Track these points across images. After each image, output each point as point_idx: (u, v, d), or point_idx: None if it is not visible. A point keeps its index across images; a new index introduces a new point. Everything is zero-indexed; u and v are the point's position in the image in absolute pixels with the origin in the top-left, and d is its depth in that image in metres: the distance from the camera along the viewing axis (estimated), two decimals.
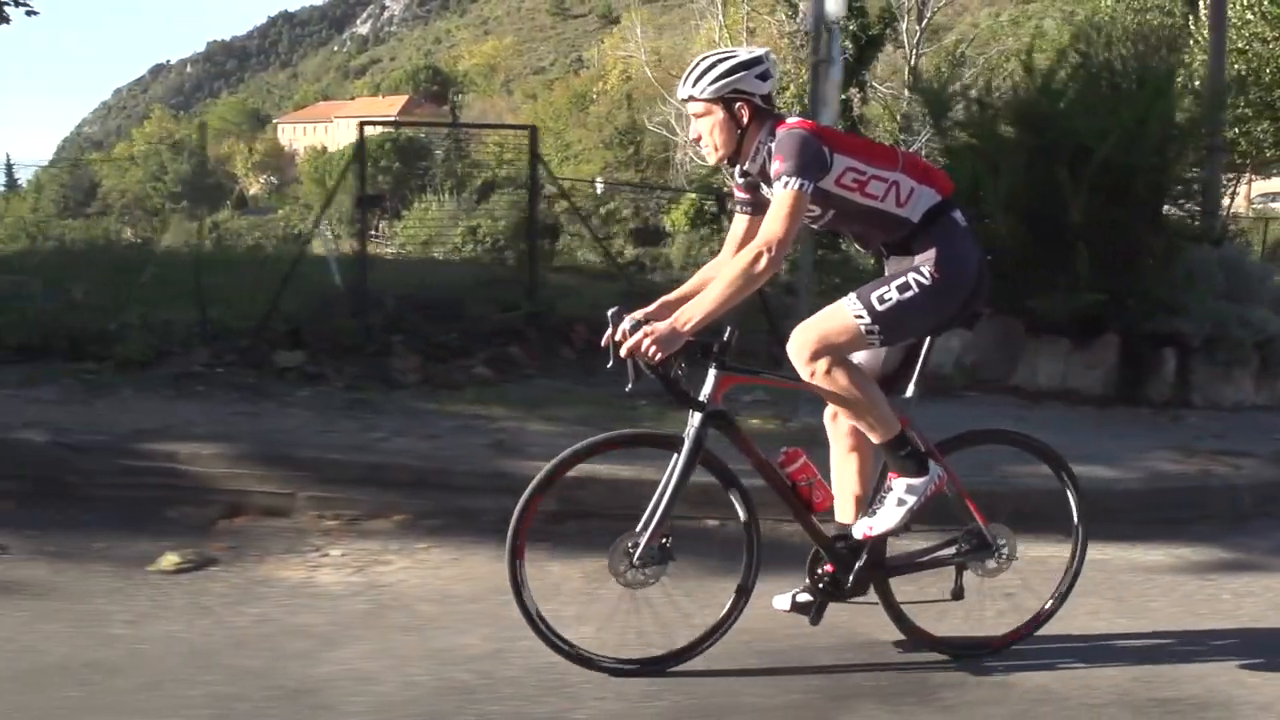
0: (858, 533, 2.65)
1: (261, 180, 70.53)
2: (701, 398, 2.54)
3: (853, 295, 2.57)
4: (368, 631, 2.75)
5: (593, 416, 4.30)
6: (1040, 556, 3.20)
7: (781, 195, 2.43)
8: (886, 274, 2.63)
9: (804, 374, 2.53)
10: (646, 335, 2.39)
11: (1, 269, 6.31)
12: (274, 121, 79.26)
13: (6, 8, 9.53)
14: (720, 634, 2.63)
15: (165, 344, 4.83)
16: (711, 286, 2.45)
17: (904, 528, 2.63)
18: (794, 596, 2.75)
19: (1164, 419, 5.62)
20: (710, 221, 18.88)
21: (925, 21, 14.50)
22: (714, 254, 3.01)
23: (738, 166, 2.63)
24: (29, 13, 9.78)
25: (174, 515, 3.56)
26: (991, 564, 2.80)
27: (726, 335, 2.53)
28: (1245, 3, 14.59)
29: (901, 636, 2.79)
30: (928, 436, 2.73)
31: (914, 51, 14.50)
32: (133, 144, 68.71)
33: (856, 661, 2.73)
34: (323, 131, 76.11)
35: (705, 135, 2.58)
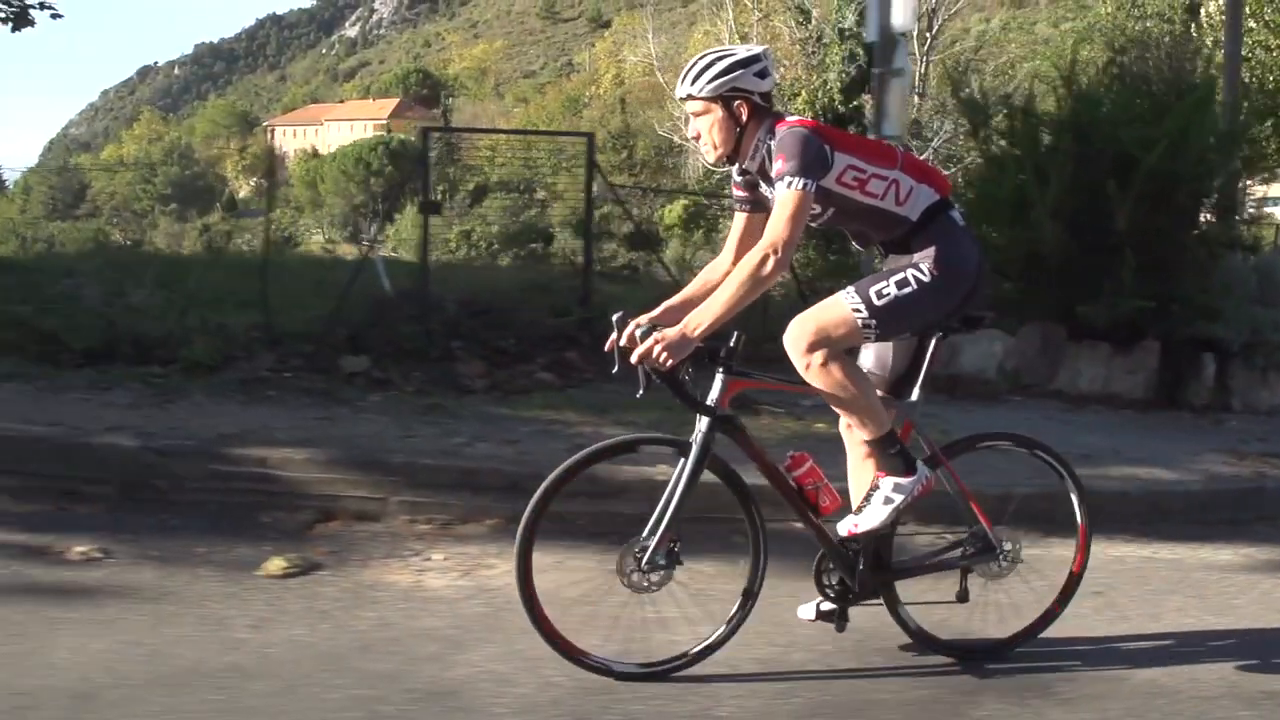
0: (842, 529, 2.64)
1: (251, 183, 70.20)
2: (709, 402, 2.54)
3: (851, 289, 2.58)
4: (491, 634, 2.79)
5: (664, 421, 4.33)
6: (1047, 556, 3.17)
7: (785, 196, 2.42)
8: (885, 271, 2.64)
9: (799, 364, 2.53)
10: (658, 341, 2.39)
11: (57, 273, 6.30)
12: (264, 124, 78.88)
13: (31, 10, 9.51)
14: (728, 638, 2.61)
15: (228, 349, 4.84)
16: (720, 291, 2.46)
17: (889, 526, 2.64)
18: (818, 605, 2.75)
19: (1206, 423, 5.73)
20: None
21: (936, 28, 14.67)
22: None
23: (736, 165, 2.63)
24: (54, 16, 9.77)
25: (267, 520, 3.59)
26: (996, 566, 2.80)
27: (733, 340, 2.53)
28: (1248, 10, 14.81)
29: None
30: (934, 439, 2.76)
31: (923, 59, 14.66)
32: (122, 146, 68.35)
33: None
34: (313, 134, 75.87)
35: (704, 133, 2.57)
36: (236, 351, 4.87)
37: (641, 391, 2.48)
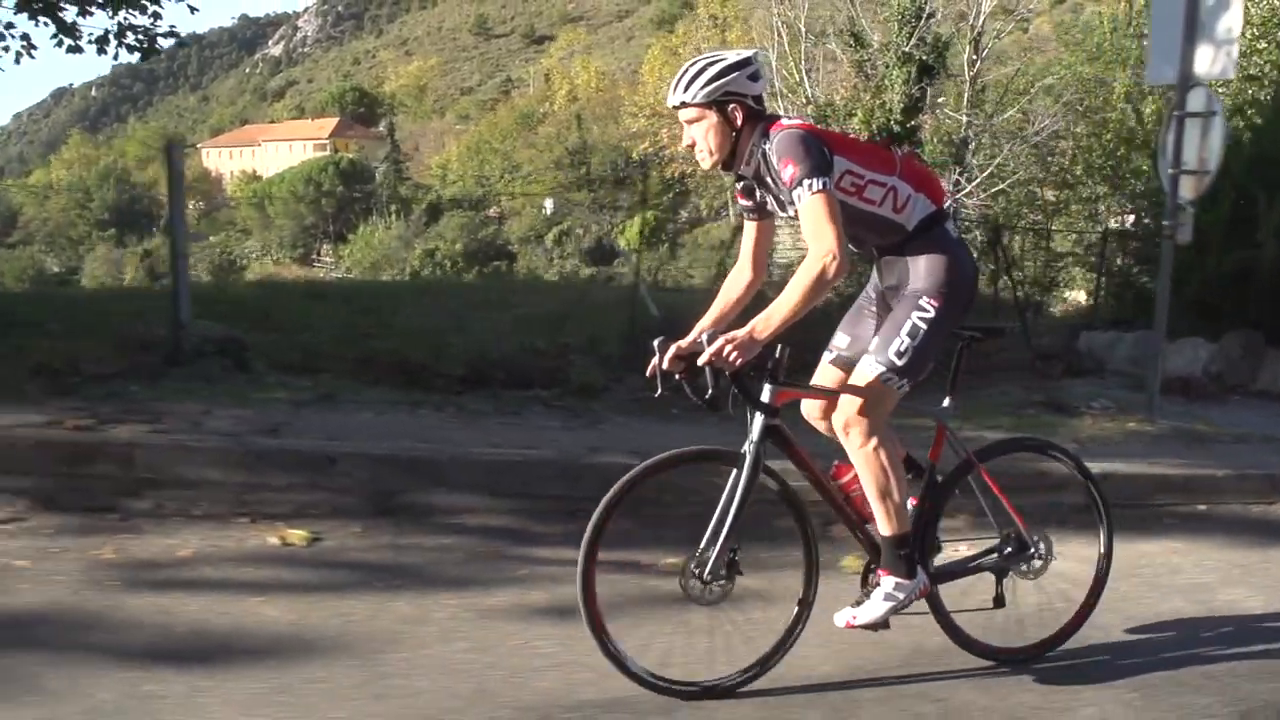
0: (840, 620, 2.74)
1: (190, 205, 68.05)
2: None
3: (871, 359, 2.65)
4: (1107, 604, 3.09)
5: (1021, 425, 4.74)
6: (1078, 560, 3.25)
7: (810, 202, 2.45)
8: (880, 283, 2.77)
9: (850, 447, 2.64)
10: (728, 342, 2.43)
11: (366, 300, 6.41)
12: (197, 146, 76.58)
13: (159, 39, 9.39)
14: (786, 649, 2.69)
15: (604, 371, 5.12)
16: (784, 295, 2.47)
17: (884, 624, 2.72)
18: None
19: None
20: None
21: (985, 51, 15.49)
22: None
23: (732, 171, 2.65)
24: (180, 44, 9.67)
25: (781, 525, 3.89)
26: (1031, 567, 2.91)
27: (779, 352, 2.57)
28: (1251, 34, 16.08)
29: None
30: (969, 445, 2.91)
31: (970, 81, 15.48)
32: (50, 170, 65.46)
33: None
34: (250, 155, 74.05)
35: (699, 140, 2.58)
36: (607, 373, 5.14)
37: (708, 394, 2.53)
